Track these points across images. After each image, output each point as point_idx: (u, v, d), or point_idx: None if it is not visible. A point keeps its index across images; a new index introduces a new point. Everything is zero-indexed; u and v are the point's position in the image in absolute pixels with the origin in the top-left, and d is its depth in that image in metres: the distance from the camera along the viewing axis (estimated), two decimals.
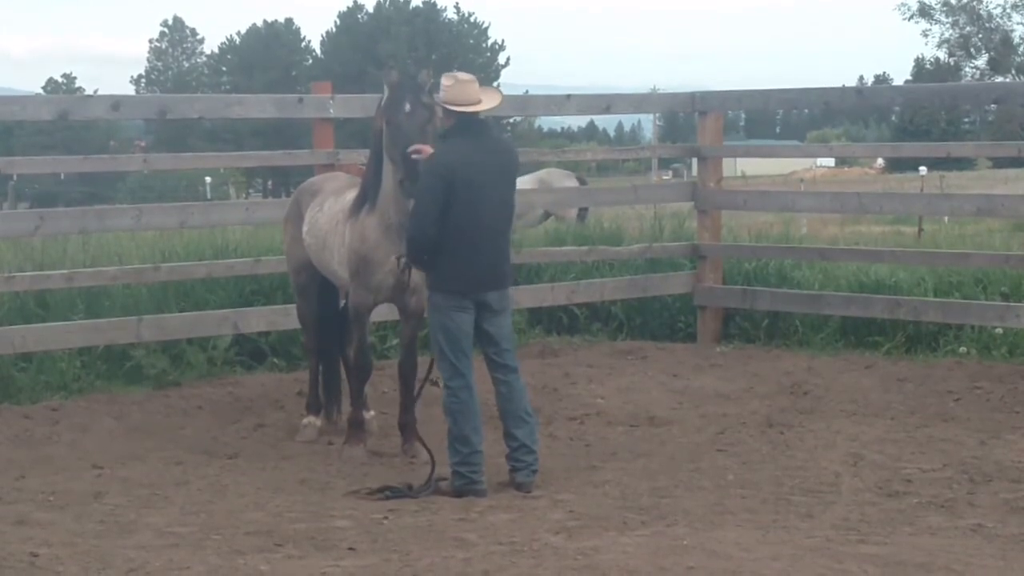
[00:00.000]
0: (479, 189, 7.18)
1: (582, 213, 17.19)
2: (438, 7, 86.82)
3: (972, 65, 73.85)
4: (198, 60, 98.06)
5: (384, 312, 9.18)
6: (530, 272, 11.98)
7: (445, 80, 7.32)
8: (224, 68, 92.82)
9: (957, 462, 7.66)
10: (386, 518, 6.68)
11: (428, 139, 7.57)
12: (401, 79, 7.75)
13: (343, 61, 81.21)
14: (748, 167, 53.35)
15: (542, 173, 19.06)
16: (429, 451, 7.48)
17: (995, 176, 51.26)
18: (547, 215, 17.66)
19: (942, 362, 10.44)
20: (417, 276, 7.71)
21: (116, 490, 7.27)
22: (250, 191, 70.50)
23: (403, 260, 7.59)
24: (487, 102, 7.38)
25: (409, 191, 7.41)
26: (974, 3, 72.48)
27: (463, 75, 7.38)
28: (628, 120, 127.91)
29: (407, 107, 7.55)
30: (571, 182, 18.42)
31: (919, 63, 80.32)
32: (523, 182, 18.55)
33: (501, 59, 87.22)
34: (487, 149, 7.35)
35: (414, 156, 7.40)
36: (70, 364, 9.70)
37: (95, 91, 71.79)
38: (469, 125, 7.35)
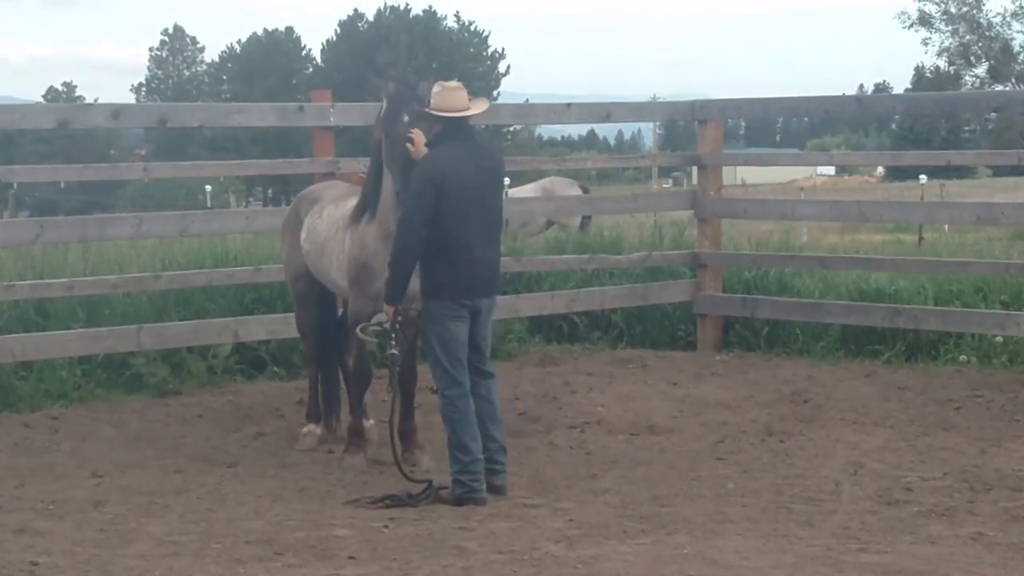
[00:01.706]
0: (470, 195, 7.23)
1: (585, 222, 17.19)
2: (438, 16, 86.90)
3: (972, 73, 74.04)
4: (198, 68, 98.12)
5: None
6: (530, 280, 11.99)
7: (434, 88, 7.40)
8: (224, 76, 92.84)
9: (957, 471, 7.66)
10: (386, 527, 6.68)
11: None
12: (398, 90, 7.77)
13: (343, 69, 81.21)
14: (748, 175, 53.32)
15: (545, 182, 19.08)
16: (401, 464, 7.49)
17: (995, 184, 51.29)
18: (550, 224, 17.67)
19: (942, 371, 10.45)
20: (415, 284, 7.71)
21: (116, 499, 7.26)
22: (250, 199, 70.49)
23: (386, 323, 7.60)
24: (474, 108, 7.47)
25: (404, 201, 7.42)
26: (974, 12, 72.61)
27: (451, 83, 7.48)
28: (628, 128, 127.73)
29: (405, 118, 7.57)
30: (574, 191, 18.41)
31: (919, 71, 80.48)
32: (526, 191, 18.58)
33: (501, 67, 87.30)
34: (475, 155, 7.41)
35: (407, 145, 7.44)
36: (70, 373, 9.70)
37: (95, 99, 71.74)
38: (457, 131, 7.40)
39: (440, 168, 7.22)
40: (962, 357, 10.69)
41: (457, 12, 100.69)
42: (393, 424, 7.85)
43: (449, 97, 7.37)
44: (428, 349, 7.41)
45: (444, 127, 7.38)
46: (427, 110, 7.40)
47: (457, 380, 7.31)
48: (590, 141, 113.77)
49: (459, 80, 7.74)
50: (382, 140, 7.77)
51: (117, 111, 9.89)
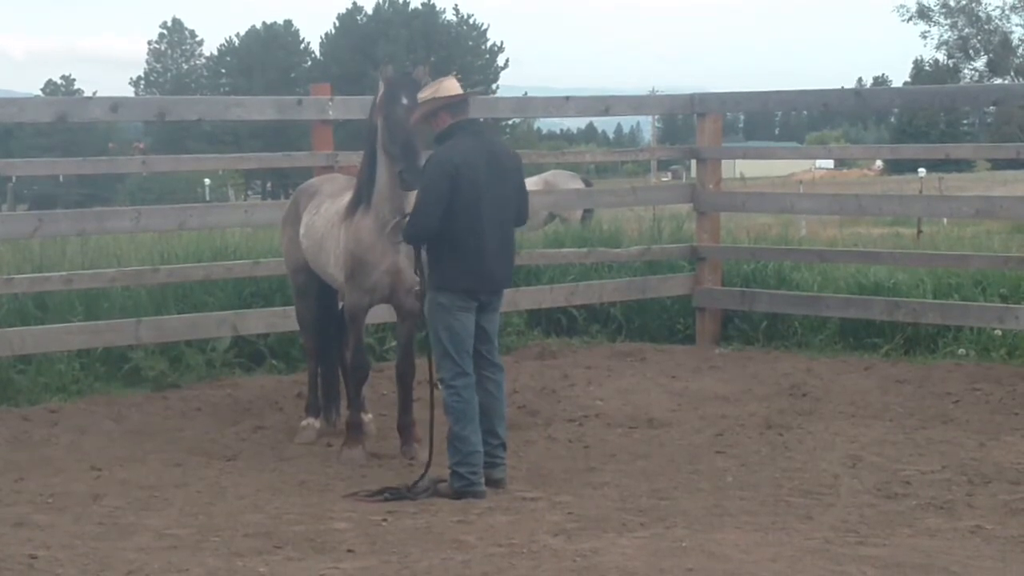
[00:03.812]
0: (482, 190, 7.21)
1: (587, 215, 17.19)
2: (437, 9, 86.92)
3: (971, 67, 73.96)
4: (197, 62, 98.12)
5: (383, 314, 9.18)
6: (529, 274, 11.98)
7: (425, 91, 7.40)
8: (223, 70, 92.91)
9: (956, 464, 7.66)
10: (385, 520, 6.68)
11: (424, 134, 7.61)
12: (397, 75, 7.79)
13: (342, 63, 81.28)
14: (747, 169, 53.25)
15: (547, 175, 19.05)
16: (428, 445, 7.49)
17: (994, 178, 51.33)
18: (552, 217, 17.66)
19: (941, 364, 10.45)
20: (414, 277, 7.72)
21: (115, 492, 7.26)
22: (249, 193, 70.52)
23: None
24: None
25: (409, 182, 7.40)
26: (973, 5, 72.54)
27: (443, 77, 7.51)
28: (627, 122, 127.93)
29: (404, 101, 7.56)
30: (577, 184, 18.41)
31: (918, 65, 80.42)
32: (528, 184, 18.54)
33: (500, 61, 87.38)
34: (488, 151, 7.37)
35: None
36: (69, 366, 9.70)
37: (94, 93, 71.61)
38: (466, 125, 7.40)
39: (454, 161, 7.20)
40: (961, 350, 10.69)
41: (456, 5, 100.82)
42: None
43: (446, 85, 7.40)
44: (435, 340, 7.39)
45: (453, 121, 7.36)
46: (430, 98, 7.37)
47: (464, 370, 7.31)
48: (589, 134, 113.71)
49: (458, 73, 7.77)
50: (377, 126, 7.75)
51: (116, 104, 9.88)
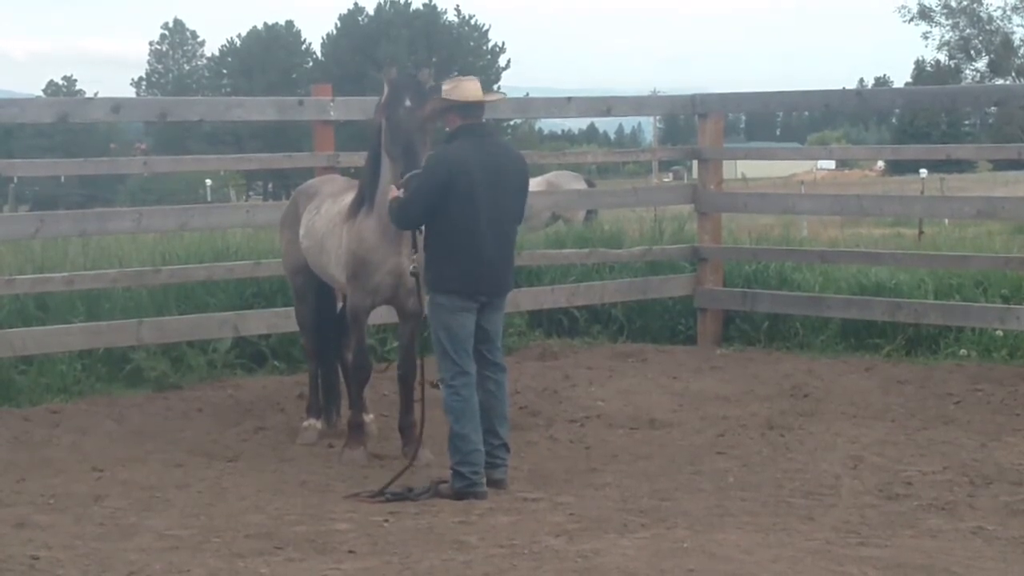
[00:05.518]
0: (479, 191, 7.18)
1: (590, 215, 17.18)
2: (438, 9, 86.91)
3: (972, 67, 73.95)
4: (198, 63, 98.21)
5: (384, 314, 9.18)
6: (530, 274, 11.98)
7: (446, 84, 7.39)
8: (224, 70, 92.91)
9: (957, 465, 7.66)
10: (386, 521, 6.67)
11: (427, 136, 7.61)
12: (400, 76, 7.78)
13: (343, 63, 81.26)
14: (748, 169, 53.27)
15: (550, 176, 19.04)
16: (415, 450, 7.51)
17: (995, 178, 51.31)
18: (555, 217, 17.65)
19: (942, 364, 10.45)
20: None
21: (116, 493, 7.26)
22: (250, 193, 70.52)
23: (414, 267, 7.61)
24: (488, 97, 7.50)
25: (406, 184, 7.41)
26: (974, 5, 72.52)
27: (465, 77, 7.49)
28: (628, 122, 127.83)
29: (407, 103, 7.55)
30: (579, 184, 18.40)
31: (919, 65, 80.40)
32: (531, 184, 18.48)
33: (502, 61, 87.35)
34: (490, 154, 7.34)
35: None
36: (70, 367, 9.70)
37: (95, 94, 71.53)
38: (473, 128, 7.37)
39: (447, 165, 7.20)
40: (962, 351, 10.69)
41: (457, 6, 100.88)
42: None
43: (464, 87, 7.37)
44: (435, 340, 7.40)
45: (461, 124, 7.35)
46: (444, 97, 7.37)
47: (463, 370, 7.30)
48: (590, 135, 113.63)
49: (456, 73, 7.77)
50: (381, 128, 7.75)
51: (117, 105, 9.88)
